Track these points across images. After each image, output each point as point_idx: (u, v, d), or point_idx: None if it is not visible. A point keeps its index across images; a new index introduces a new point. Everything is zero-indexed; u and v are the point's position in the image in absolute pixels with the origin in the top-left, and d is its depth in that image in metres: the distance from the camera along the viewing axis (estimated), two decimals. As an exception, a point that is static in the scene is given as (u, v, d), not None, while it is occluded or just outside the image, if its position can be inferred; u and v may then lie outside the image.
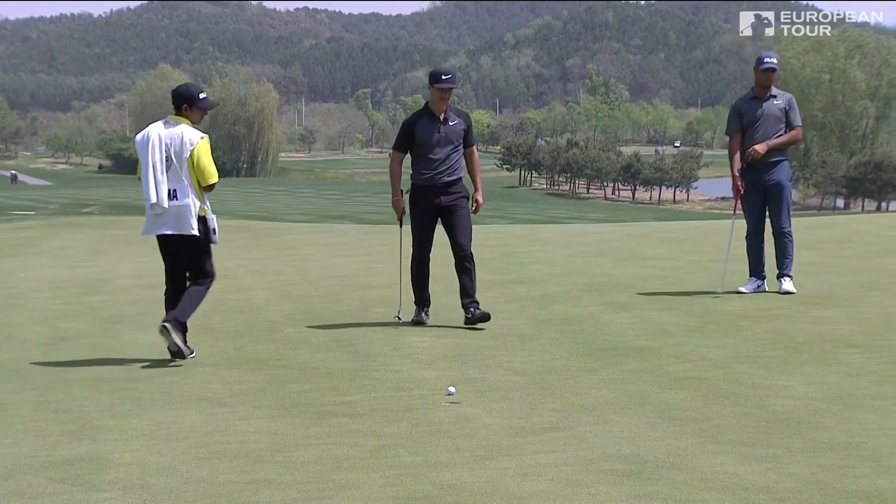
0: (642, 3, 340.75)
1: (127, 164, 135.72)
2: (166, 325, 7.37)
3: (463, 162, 8.74)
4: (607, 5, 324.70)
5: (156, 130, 7.50)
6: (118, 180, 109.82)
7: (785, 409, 5.67)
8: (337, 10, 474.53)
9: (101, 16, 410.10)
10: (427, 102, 8.66)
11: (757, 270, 9.92)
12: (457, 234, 8.59)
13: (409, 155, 8.71)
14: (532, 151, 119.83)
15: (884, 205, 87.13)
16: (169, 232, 7.48)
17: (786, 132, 9.74)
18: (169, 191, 7.41)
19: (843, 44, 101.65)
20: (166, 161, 7.42)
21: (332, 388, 6.49)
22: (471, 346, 7.76)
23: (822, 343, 7.48)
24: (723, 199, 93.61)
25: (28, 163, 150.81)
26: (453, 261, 8.66)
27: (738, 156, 9.74)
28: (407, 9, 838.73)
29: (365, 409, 5.93)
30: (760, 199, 9.83)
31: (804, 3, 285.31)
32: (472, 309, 8.50)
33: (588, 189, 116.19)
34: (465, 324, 8.49)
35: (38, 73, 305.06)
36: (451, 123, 8.54)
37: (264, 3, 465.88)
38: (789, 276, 9.79)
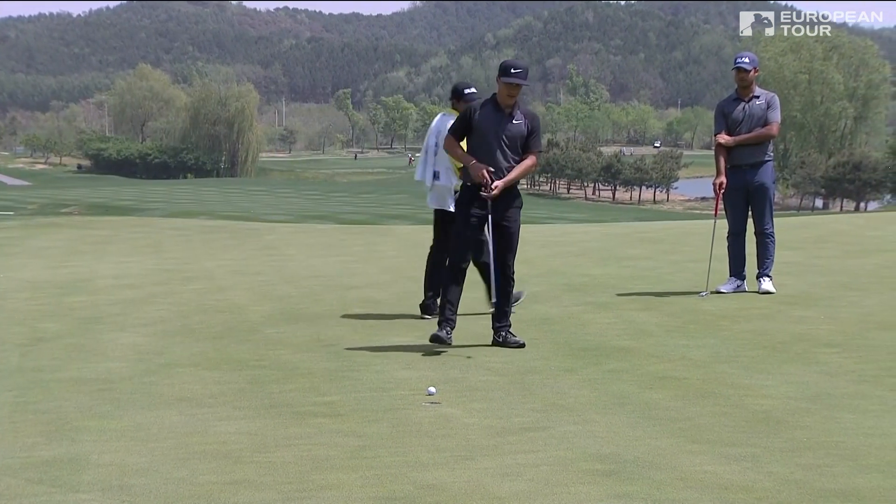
0: (622, 3, 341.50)
1: (106, 164, 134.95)
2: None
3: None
4: (587, 6, 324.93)
5: (436, 121, 8.99)
6: (97, 180, 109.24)
7: (764, 409, 5.69)
8: (317, 10, 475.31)
9: (80, 15, 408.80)
10: (495, 93, 7.71)
11: (737, 270, 9.96)
12: (503, 249, 7.65)
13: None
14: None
15: (862, 205, 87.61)
16: (434, 206, 8.94)
17: (766, 130, 9.77)
18: (434, 172, 8.87)
19: (820, 45, 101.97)
20: (435, 147, 8.82)
21: (313, 389, 6.48)
22: (451, 346, 7.75)
23: (800, 343, 7.52)
24: (703, 199, 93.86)
25: (6, 163, 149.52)
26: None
27: (722, 158, 9.78)
28: (387, 9, 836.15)
29: (345, 409, 5.92)
30: (743, 199, 9.86)
31: (783, 3, 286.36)
32: (502, 333, 7.68)
33: (569, 189, 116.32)
34: (493, 343, 7.71)
35: (16, 73, 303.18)
36: (514, 121, 7.59)
37: (244, 2, 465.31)
38: (769, 276, 9.83)
